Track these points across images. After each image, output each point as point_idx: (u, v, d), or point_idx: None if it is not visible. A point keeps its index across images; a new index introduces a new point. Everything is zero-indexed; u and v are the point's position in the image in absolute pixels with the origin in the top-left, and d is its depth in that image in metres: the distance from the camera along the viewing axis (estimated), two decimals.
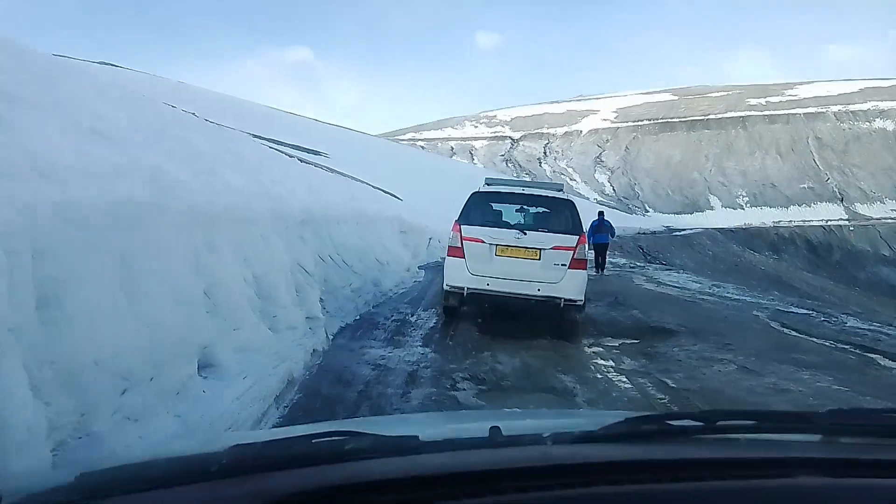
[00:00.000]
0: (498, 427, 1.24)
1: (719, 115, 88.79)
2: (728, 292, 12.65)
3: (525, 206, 7.83)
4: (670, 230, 57.24)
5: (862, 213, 71.37)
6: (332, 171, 34.23)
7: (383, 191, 33.80)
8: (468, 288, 7.21)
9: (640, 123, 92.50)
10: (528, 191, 8.13)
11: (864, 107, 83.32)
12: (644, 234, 47.78)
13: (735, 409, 2.09)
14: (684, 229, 59.38)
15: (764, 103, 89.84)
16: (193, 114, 20.01)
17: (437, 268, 16.26)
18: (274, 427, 3.72)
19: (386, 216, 14.72)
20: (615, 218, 52.98)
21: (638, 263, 22.11)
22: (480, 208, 7.62)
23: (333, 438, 1.20)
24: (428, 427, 1.77)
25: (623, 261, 22.30)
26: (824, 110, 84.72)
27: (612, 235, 16.34)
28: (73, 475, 1.04)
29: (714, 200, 77.16)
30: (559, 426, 1.51)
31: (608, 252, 16.72)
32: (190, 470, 1.06)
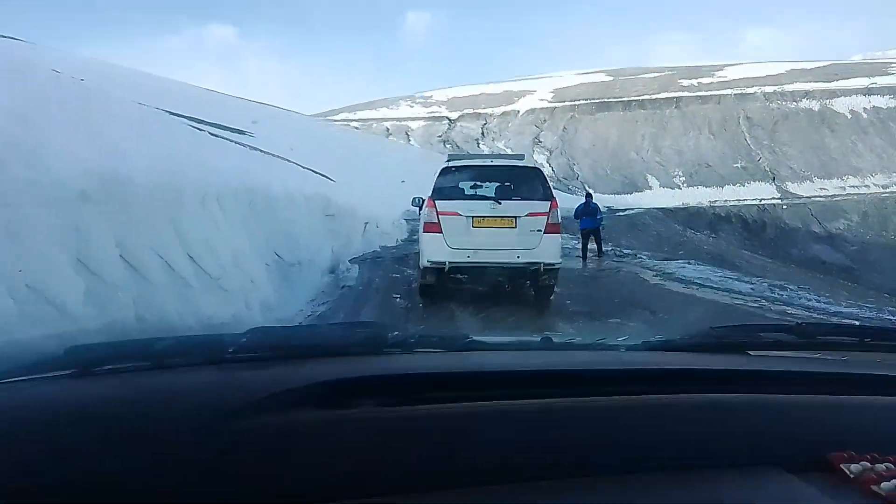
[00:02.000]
0: (549, 336, 1.13)
1: (653, 96, 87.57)
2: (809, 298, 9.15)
3: (495, 177, 7.55)
4: (612, 210, 55.74)
5: (793, 191, 71.45)
6: (254, 149, 31.01)
7: (313, 171, 30.95)
8: (449, 262, 7.11)
9: (576, 103, 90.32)
10: (496, 162, 8.04)
11: (791, 87, 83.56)
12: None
13: (837, 323, 1.25)
14: (626, 209, 58.07)
15: (696, 84, 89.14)
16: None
17: (376, 261, 12.45)
18: None
19: (303, 195, 10.67)
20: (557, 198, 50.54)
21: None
22: (451, 183, 7.40)
23: (371, 330, 1.04)
24: (476, 333, 1.31)
25: (577, 244, 18.90)
26: (753, 91, 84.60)
27: (600, 218, 14.77)
28: (62, 348, 0.88)
29: (652, 180, 75.84)
30: (626, 339, 1.21)
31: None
32: (202, 351, 0.91)
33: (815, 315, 7.15)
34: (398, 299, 8.42)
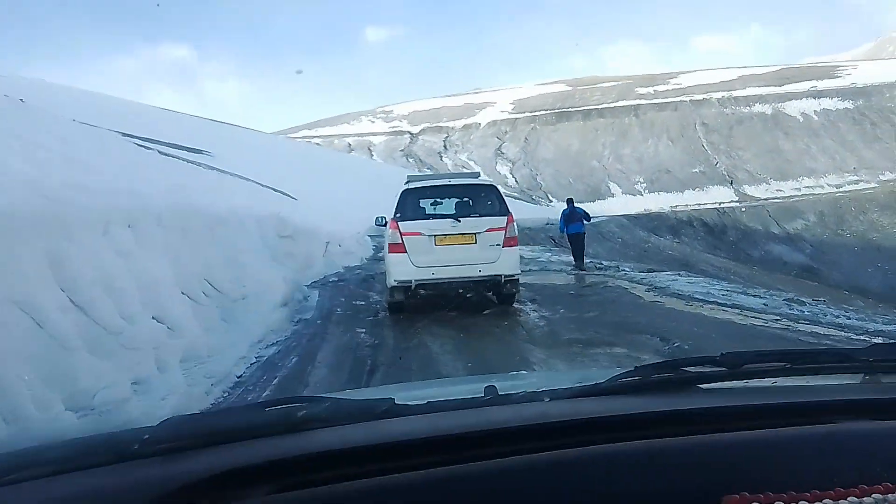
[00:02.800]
0: (493, 386, 1.10)
1: (612, 105, 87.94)
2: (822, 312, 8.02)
3: (454, 196, 7.83)
4: None
5: (750, 194, 72.16)
6: (212, 168, 29.68)
7: (273, 189, 29.46)
8: (415, 280, 7.33)
9: (537, 114, 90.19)
10: (453, 181, 8.30)
11: (744, 92, 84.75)
12: (552, 224, 44.90)
13: (761, 350, 1.37)
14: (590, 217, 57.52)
15: (652, 92, 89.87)
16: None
17: (338, 286, 11.04)
18: None
19: (253, 216, 9.20)
20: (521, 209, 50.02)
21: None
22: (413, 204, 7.57)
23: (286, 406, 0.99)
24: (405, 392, 1.45)
25: (552, 256, 17.81)
26: (708, 97, 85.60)
27: (588, 221, 14.32)
28: None
29: (614, 187, 75.83)
30: (556, 384, 1.22)
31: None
32: (104, 450, 0.86)
33: (853, 336, 6.03)
34: (363, 334, 7.07)
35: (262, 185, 27.92)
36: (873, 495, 0.71)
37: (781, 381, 1.11)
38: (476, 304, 8.61)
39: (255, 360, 5.68)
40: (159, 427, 0.89)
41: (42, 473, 0.79)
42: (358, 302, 9.53)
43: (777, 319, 7.03)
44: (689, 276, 11.99)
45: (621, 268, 13.47)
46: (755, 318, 7.22)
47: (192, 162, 27.31)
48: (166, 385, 3.93)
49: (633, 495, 0.77)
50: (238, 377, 4.99)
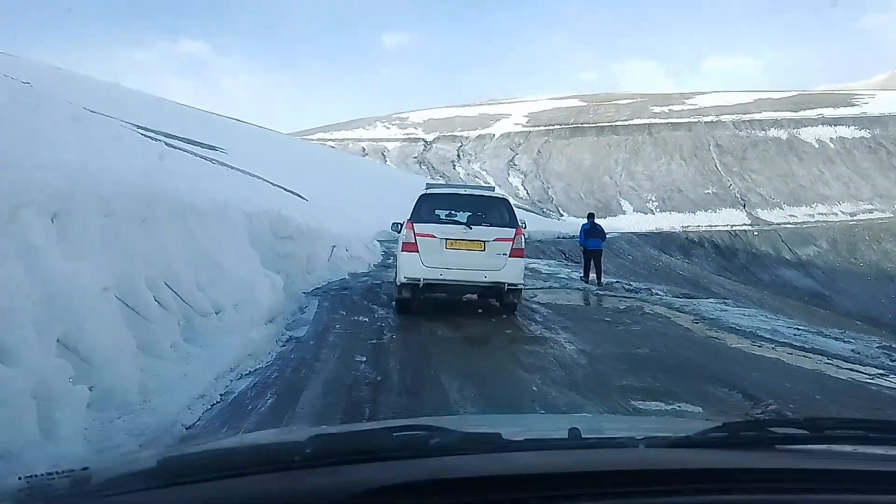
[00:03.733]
0: (577, 429, 1.14)
1: (626, 122, 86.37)
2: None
3: (467, 205, 8.08)
4: None
5: (763, 217, 70.36)
6: (224, 165, 28.69)
7: (285, 189, 28.31)
8: (424, 278, 7.56)
9: (550, 128, 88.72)
10: (468, 191, 8.90)
11: (759, 116, 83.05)
12: (563, 238, 43.43)
13: (843, 417, 1.52)
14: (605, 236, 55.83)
15: (667, 111, 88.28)
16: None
17: (341, 295, 9.55)
18: None
19: (241, 212, 7.64)
20: (532, 221, 48.63)
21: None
22: (428, 208, 7.93)
23: (416, 433, 1.10)
24: (507, 425, 1.54)
25: (571, 272, 16.24)
26: (723, 119, 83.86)
27: (603, 240, 14.34)
28: (156, 459, 0.99)
29: (625, 204, 74.20)
30: (648, 431, 1.31)
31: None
32: (274, 459, 0.98)
33: None
34: (362, 364, 5.53)
35: (272, 183, 26.71)
36: None
37: (862, 449, 1.08)
38: (498, 336, 7.16)
39: (218, 399, 4.17)
40: (310, 441, 0.99)
41: (218, 476, 0.88)
42: (360, 318, 8.01)
43: (882, 374, 5.42)
44: (737, 307, 10.34)
45: (654, 291, 11.91)
46: (851, 369, 5.62)
47: (203, 157, 26.06)
48: (48, 455, 2.41)
49: None
50: (186, 428, 3.50)
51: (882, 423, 1.22)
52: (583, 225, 14.51)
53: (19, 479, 0.93)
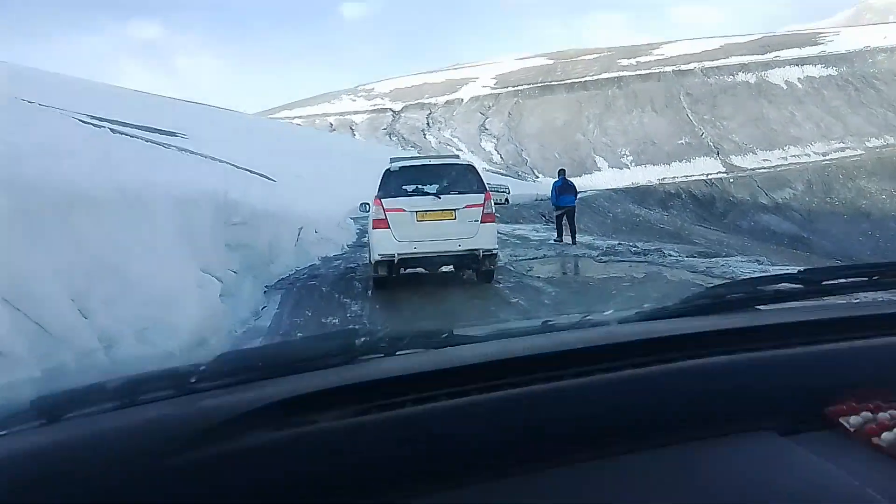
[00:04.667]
0: (549, 320, 1.05)
1: (595, 77, 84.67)
2: None
3: (434, 175, 8.00)
4: None
5: (737, 164, 69.75)
6: (184, 150, 26.62)
7: (250, 171, 26.32)
8: (398, 254, 7.45)
9: (520, 88, 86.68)
10: (433, 161, 8.80)
11: (727, 61, 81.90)
12: (541, 200, 42.05)
13: (844, 264, 1.32)
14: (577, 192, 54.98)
15: (635, 63, 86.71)
16: None
17: (308, 286, 8.13)
18: None
19: (165, 198, 5.89)
20: (508, 185, 46.73)
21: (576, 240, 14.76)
22: (395, 182, 7.86)
23: (343, 339, 0.95)
24: (463, 328, 1.22)
25: (547, 235, 14.83)
26: (691, 67, 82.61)
27: (576, 196, 13.75)
28: (29, 399, 0.86)
29: (600, 161, 72.97)
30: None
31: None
32: (164, 384, 0.86)
33: None
34: None
35: (237, 166, 24.94)
36: None
37: (864, 297, 1.04)
38: None
39: None
40: (217, 360, 0.88)
41: (103, 409, 0.80)
42: (330, 318, 6.47)
43: None
44: (774, 264, 8.86)
45: (665, 252, 10.49)
46: None
47: (160, 143, 24.09)
48: None
49: (733, 405, 0.73)
50: None
51: (884, 265, 1.11)
52: (554, 182, 13.91)
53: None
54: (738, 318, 0.95)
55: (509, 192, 39.56)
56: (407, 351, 0.92)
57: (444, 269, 8.28)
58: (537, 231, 18.02)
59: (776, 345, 0.84)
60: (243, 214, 9.28)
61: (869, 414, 0.66)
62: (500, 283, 8.37)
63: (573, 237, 13.27)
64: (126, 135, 20.63)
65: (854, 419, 0.66)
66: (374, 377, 0.80)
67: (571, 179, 14.27)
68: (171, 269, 4.94)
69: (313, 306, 7.17)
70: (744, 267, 8.10)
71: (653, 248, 11.22)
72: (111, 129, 18.88)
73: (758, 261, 8.85)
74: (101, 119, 25.60)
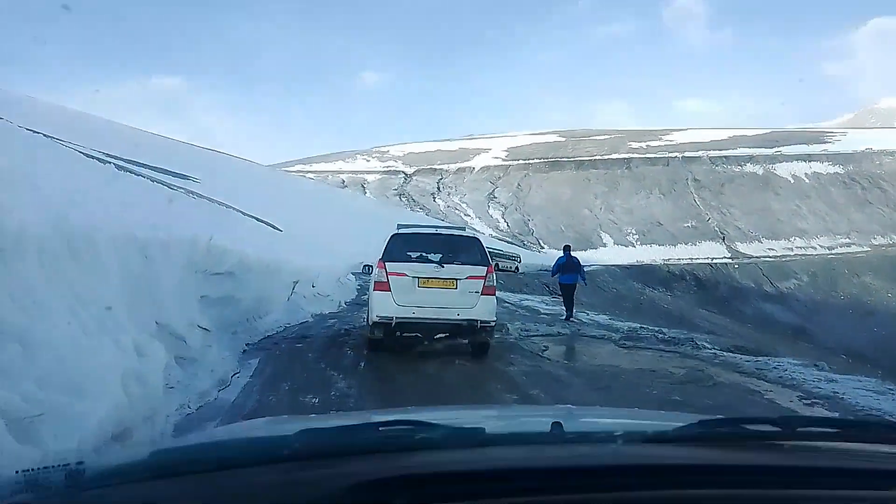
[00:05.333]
0: (560, 423, 1.17)
1: (605, 156, 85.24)
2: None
3: (439, 244, 7.94)
4: None
5: (742, 251, 68.91)
6: (192, 193, 26.21)
7: (258, 219, 25.76)
8: (396, 317, 7.36)
9: (530, 162, 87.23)
10: (440, 231, 8.73)
11: (735, 152, 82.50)
12: (545, 270, 41.09)
13: (816, 416, 1.50)
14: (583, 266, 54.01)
15: (644, 147, 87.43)
16: None
17: (295, 348, 6.59)
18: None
19: (136, 239, 4.74)
20: (520, 254, 45.82)
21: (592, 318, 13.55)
22: (400, 247, 7.81)
23: (401, 427, 1.11)
24: (491, 421, 1.56)
25: (582, 315, 13.71)
26: (700, 154, 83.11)
27: (583, 277, 13.35)
28: (147, 452, 1.00)
29: (606, 237, 72.42)
30: (627, 427, 1.31)
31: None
32: (262, 453, 1.00)
33: None
34: None
35: (244, 213, 24.27)
36: None
37: (833, 446, 1.11)
38: None
39: None
40: (300, 435, 0.98)
41: (210, 468, 0.88)
42: (310, 398, 5.28)
43: None
44: (843, 374, 7.49)
45: (698, 342, 9.25)
46: None
47: (168, 185, 23.41)
48: None
49: None
50: None
51: (851, 423, 1.21)
52: (558, 259, 13.53)
53: (16, 472, 0.93)
54: (719, 454, 1.01)
55: (520, 261, 38.68)
56: (452, 448, 0.99)
57: (441, 341, 7.99)
58: (546, 304, 16.92)
59: (746, 483, 0.90)
60: (230, 264, 8.23)
61: None
62: (513, 364, 7.22)
63: (570, 311, 13.02)
64: (132, 172, 19.90)
65: None
66: (424, 469, 0.89)
67: (576, 255, 13.89)
68: (100, 330, 3.79)
69: (292, 377, 6.02)
70: (802, 372, 6.83)
71: (682, 336, 10.03)
72: (116, 167, 18.08)
73: (816, 365, 7.58)
74: (112, 157, 25.05)
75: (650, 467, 0.94)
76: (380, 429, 1.11)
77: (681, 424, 1.14)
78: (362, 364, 6.87)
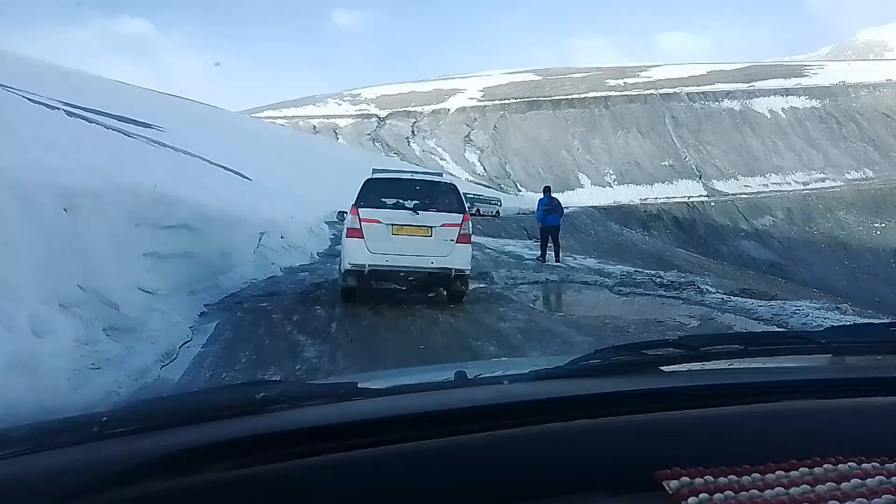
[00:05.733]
0: (462, 372, 1.12)
1: (582, 95, 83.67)
2: None
3: (414, 191, 7.81)
4: None
5: (719, 189, 68.90)
6: (154, 142, 24.60)
7: (225, 168, 24.52)
8: (368, 265, 7.26)
9: (506, 102, 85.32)
10: (415, 176, 8.64)
11: (713, 88, 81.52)
12: (524, 213, 40.48)
13: (720, 333, 1.33)
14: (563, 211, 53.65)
15: (622, 84, 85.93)
16: None
17: (259, 307, 6.27)
18: None
19: (49, 186, 3.85)
20: (500, 198, 44.95)
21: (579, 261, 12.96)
22: (375, 193, 7.68)
23: (247, 390, 0.99)
24: (372, 379, 1.39)
25: (573, 260, 13.09)
26: (678, 91, 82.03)
27: (562, 215, 13.35)
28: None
29: (584, 179, 71.81)
30: (529, 367, 1.20)
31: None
32: (64, 432, 0.87)
33: None
34: None
35: (211, 162, 23.01)
36: (824, 466, 0.72)
37: (739, 364, 1.09)
38: None
39: None
40: (118, 409, 0.88)
41: (2, 456, 0.80)
42: (272, 370, 4.52)
43: None
44: (866, 317, 6.91)
45: (700, 286, 8.66)
46: None
47: (126, 133, 21.91)
48: None
49: (578, 469, 0.78)
50: None
51: (751, 336, 1.18)
52: (539, 200, 13.24)
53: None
54: (616, 382, 0.99)
55: (501, 205, 37.91)
56: (312, 403, 0.92)
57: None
58: (529, 248, 16.24)
59: (631, 411, 0.87)
60: (182, 215, 7.29)
61: (687, 479, 0.70)
62: (504, 319, 6.50)
63: (557, 255, 12.78)
64: (86, 119, 18.43)
65: (674, 483, 0.69)
66: (278, 428, 0.81)
67: (556, 196, 13.54)
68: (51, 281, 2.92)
69: (254, 345, 5.21)
70: (827, 317, 6.23)
71: (682, 279, 9.38)
72: (67, 113, 16.62)
73: (838, 308, 6.99)
74: (66, 104, 23.34)
75: (534, 402, 0.90)
76: (220, 393, 1.00)
77: (575, 358, 1.09)
78: (334, 326, 6.08)
